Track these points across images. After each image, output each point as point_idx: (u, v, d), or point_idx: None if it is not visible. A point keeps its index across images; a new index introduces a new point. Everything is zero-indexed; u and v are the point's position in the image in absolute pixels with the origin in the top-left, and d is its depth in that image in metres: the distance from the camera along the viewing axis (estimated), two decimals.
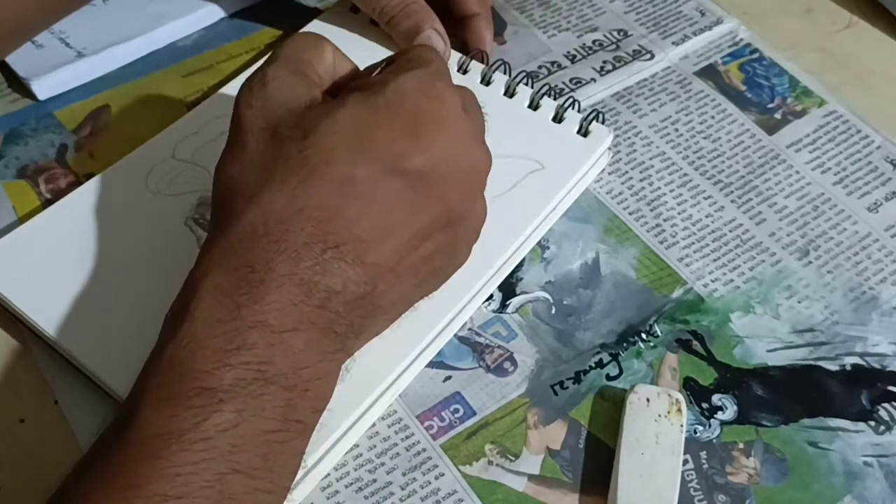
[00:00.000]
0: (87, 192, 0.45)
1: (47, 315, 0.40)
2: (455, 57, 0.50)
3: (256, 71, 0.36)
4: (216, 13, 0.55)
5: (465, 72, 0.50)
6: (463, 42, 0.52)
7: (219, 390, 0.29)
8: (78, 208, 0.44)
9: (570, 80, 0.53)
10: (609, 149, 0.49)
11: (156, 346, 0.31)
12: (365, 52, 0.50)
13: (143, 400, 0.29)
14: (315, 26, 0.52)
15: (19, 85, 0.51)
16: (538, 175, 0.46)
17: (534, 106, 0.49)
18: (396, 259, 0.34)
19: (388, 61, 0.38)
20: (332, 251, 0.32)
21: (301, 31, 0.52)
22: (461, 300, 0.41)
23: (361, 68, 0.40)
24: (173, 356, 0.30)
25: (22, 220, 0.44)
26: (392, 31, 0.50)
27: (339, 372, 0.34)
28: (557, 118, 0.48)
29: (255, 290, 0.31)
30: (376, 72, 0.38)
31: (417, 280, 0.36)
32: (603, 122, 0.48)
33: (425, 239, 0.35)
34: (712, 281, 0.45)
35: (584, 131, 0.48)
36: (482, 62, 0.50)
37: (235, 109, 0.35)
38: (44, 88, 0.51)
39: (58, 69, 0.51)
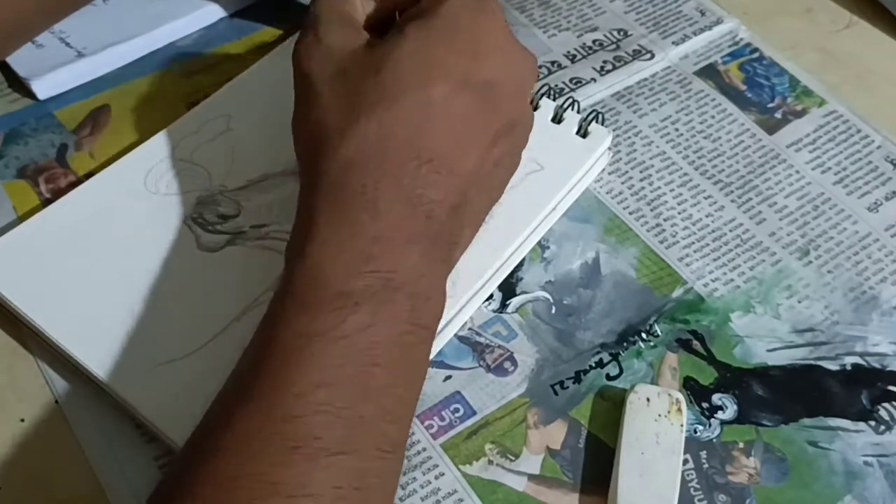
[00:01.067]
0: (87, 192, 0.45)
1: (45, 314, 0.40)
2: None
3: (303, 34, 0.39)
4: (216, 13, 0.55)
5: None
6: None
7: (353, 294, 0.32)
8: (77, 207, 0.44)
9: (571, 80, 0.53)
10: (609, 149, 0.49)
11: (288, 264, 0.34)
12: None
13: (282, 309, 0.32)
14: (286, 48, 0.52)
15: (19, 85, 0.51)
16: (537, 176, 0.46)
17: (533, 107, 0.49)
18: (479, 165, 0.37)
19: None
20: (427, 165, 0.35)
21: (279, 48, 0.52)
22: (461, 300, 0.41)
23: None
24: (305, 273, 0.33)
25: (22, 219, 0.44)
26: None
27: (446, 281, 0.36)
28: (557, 119, 0.48)
29: (369, 209, 0.33)
30: None
31: (492, 185, 0.39)
32: (602, 123, 0.48)
33: (495, 144, 0.37)
34: (712, 280, 0.45)
35: (583, 132, 0.48)
36: None
37: (297, 68, 0.38)
38: (44, 88, 0.51)
39: (58, 69, 0.51)
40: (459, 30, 0.37)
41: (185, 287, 0.42)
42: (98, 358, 0.39)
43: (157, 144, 0.47)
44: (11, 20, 0.48)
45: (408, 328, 0.33)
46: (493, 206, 0.41)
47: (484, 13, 0.38)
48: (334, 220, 0.34)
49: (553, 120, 0.48)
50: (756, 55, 0.55)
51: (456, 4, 0.37)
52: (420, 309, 0.33)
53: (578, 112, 0.48)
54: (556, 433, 0.40)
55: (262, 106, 0.49)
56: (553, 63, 0.54)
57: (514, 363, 0.42)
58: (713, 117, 0.52)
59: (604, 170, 0.49)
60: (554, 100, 0.49)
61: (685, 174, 0.49)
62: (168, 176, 0.46)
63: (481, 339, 0.43)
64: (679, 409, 0.39)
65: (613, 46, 0.55)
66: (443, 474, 0.39)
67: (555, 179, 0.46)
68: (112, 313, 0.40)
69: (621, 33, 0.56)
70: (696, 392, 0.42)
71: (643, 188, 0.49)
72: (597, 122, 0.48)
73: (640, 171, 0.49)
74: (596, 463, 0.39)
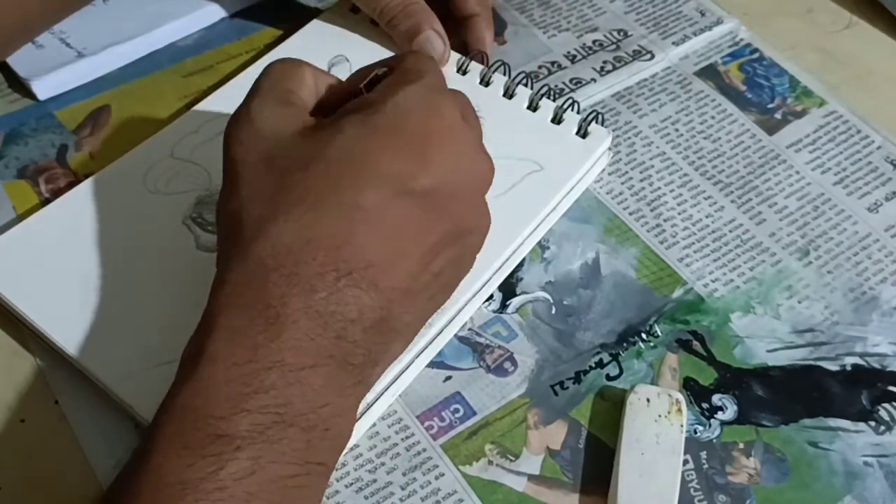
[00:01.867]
0: (86, 191, 0.45)
1: (44, 313, 0.40)
2: (454, 58, 0.50)
3: (239, 108, 0.35)
4: (216, 13, 0.55)
5: (464, 72, 0.50)
6: (463, 43, 0.52)
7: (235, 437, 0.28)
8: (76, 207, 0.44)
9: (570, 81, 0.53)
10: (609, 149, 0.49)
11: (172, 386, 0.31)
12: (365, 52, 0.51)
13: (158, 447, 0.29)
14: (314, 26, 0.52)
15: (19, 85, 0.51)
16: (537, 176, 0.46)
17: (533, 107, 0.49)
18: (410, 279, 0.33)
19: (378, 67, 0.37)
20: (346, 279, 0.31)
21: (278, 48, 0.52)
22: (458, 302, 0.41)
23: (361, 66, 0.39)
24: (189, 402, 0.29)
25: (21, 219, 0.44)
26: (392, 31, 0.50)
27: (359, 406, 0.33)
28: (556, 119, 0.48)
29: (271, 327, 0.30)
30: (367, 80, 0.37)
31: (429, 295, 0.35)
32: (602, 124, 0.48)
33: (436, 255, 0.34)
34: (712, 281, 0.45)
35: (583, 132, 0.48)
36: (482, 63, 0.50)
37: (225, 149, 0.35)
38: (44, 88, 0.51)
39: (58, 69, 0.51)
40: (405, 129, 0.33)
41: (183, 287, 0.42)
42: (96, 357, 0.39)
43: (157, 144, 0.47)
44: (13, 22, 0.48)
45: (298, 470, 0.29)
46: (432, 313, 0.37)
47: (436, 114, 0.34)
48: (230, 337, 0.30)
49: (553, 121, 0.48)
50: (756, 55, 0.55)
51: (406, 101, 0.34)
52: (317, 444, 0.30)
53: (578, 113, 0.48)
54: (556, 433, 0.40)
55: None
56: (553, 63, 0.54)
57: (514, 363, 0.42)
58: (713, 118, 0.52)
59: (604, 170, 0.49)
60: (554, 100, 0.49)
61: (685, 174, 0.49)
62: (168, 175, 0.46)
63: (481, 340, 0.43)
64: (679, 410, 0.39)
65: (613, 47, 0.55)
66: (443, 475, 0.39)
67: (554, 180, 0.46)
68: (110, 312, 0.41)
69: (621, 34, 0.56)
70: (696, 392, 0.42)
71: (643, 188, 0.49)
72: (596, 122, 0.48)
73: (640, 172, 0.49)
74: (596, 463, 0.39)
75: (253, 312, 0.30)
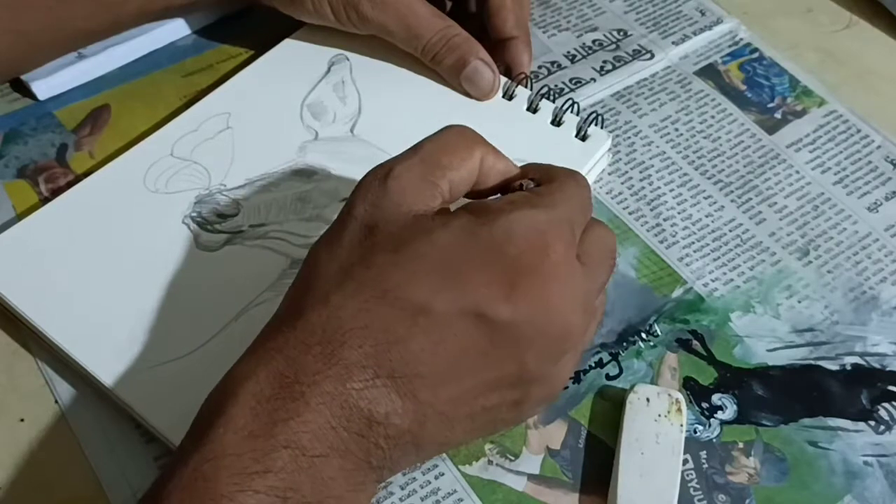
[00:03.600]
0: (86, 190, 0.45)
1: (42, 311, 0.40)
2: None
3: (389, 160, 0.34)
4: (216, 13, 0.55)
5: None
6: (501, 64, 0.50)
7: None
8: (76, 205, 0.44)
9: (570, 80, 0.53)
10: (609, 149, 0.49)
11: (187, 438, 0.30)
12: (367, 49, 0.50)
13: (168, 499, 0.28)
14: (286, 45, 0.51)
15: (19, 85, 0.51)
16: None
17: (532, 109, 0.49)
18: (453, 405, 0.31)
19: (535, 173, 0.36)
20: (385, 379, 0.30)
21: (282, 44, 0.51)
22: None
23: (532, 163, 0.37)
24: (198, 468, 0.28)
25: (21, 219, 0.44)
26: (437, 67, 0.49)
27: (368, 502, 0.32)
28: (556, 121, 0.48)
29: (293, 403, 0.29)
30: (520, 183, 0.36)
31: (473, 426, 0.33)
32: (602, 126, 0.48)
33: (492, 391, 0.32)
34: (712, 280, 0.45)
35: (582, 135, 0.48)
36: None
37: (353, 193, 0.34)
38: (44, 88, 0.51)
39: (58, 69, 0.51)
40: (504, 253, 0.31)
41: (183, 286, 0.42)
42: (95, 357, 0.39)
43: (157, 142, 0.47)
44: (44, 45, 0.48)
45: None
46: (471, 442, 0.36)
47: (543, 245, 0.31)
48: (255, 400, 0.29)
49: (552, 122, 0.48)
50: (756, 55, 0.55)
51: (519, 225, 0.31)
52: None
53: (578, 114, 0.48)
54: (555, 433, 0.40)
55: (262, 104, 0.49)
56: (553, 63, 0.54)
57: None
58: (713, 117, 0.52)
59: (604, 170, 0.49)
60: (553, 101, 0.49)
61: (685, 174, 0.50)
62: (167, 174, 0.46)
63: None
64: (679, 409, 0.39)
65: (613, 46, 0.55)
66: (442, 474, 0.39)
67: None
68: (110, 312, 0.41)
69: (621, 33, 0.56)
70: (695, 392, 0.42)
71: (643, 188, 0.49)
72: (596, 124, 0.48)
73: (640, 171, 0.49)
74: (596, 463, 0.39)
75: (282, 382, 0.29)
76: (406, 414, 0.30)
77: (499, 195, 0.36)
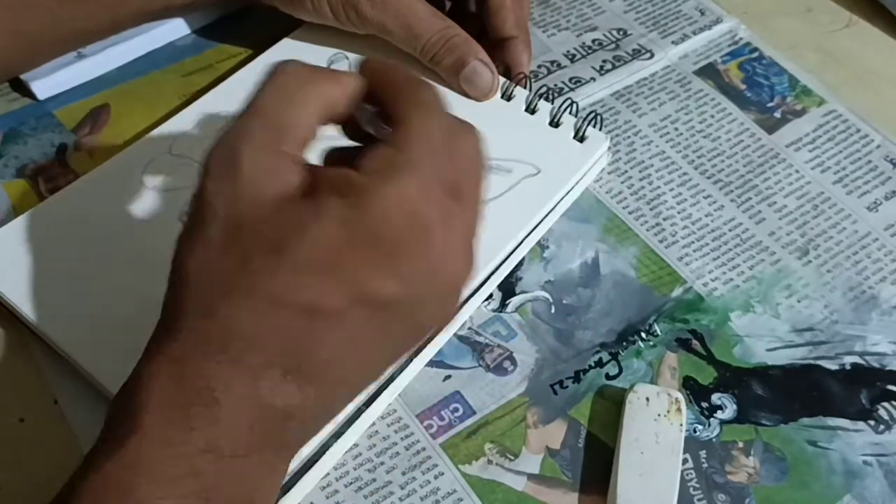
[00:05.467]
0: (84, 187, 0.45)
1: (39, 309, 0.40)
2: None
3: (227, 135, 0.32)
4: (215, 12, 0.55)
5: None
6: (500, 64, 0.50)
7: None
8: (74, 202, 0.44)
9: (570, 80, 0.53)
10: (609, 149, 0.49)
11: (95, 451, 0.29)
12: (366, 48, 0.50)
13: None
14: (285, 45, 0.51)
15: (19, 84, 0.51)
16: (533, 180, 0.46)
17: (531, 109, 0.49)
18: (361, 377, 0.33)
19: (384, 118, 0.34)
20: (294, 375, 0.30)
21: (280, 44, 0.50)
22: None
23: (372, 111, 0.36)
24: (115, 474, 0.28)
25: None
26: (436, 67, 0.49)
27: (283, 477, 0.32)
28: (554, 122, 0.48)
29: (209, 409, 0.29)
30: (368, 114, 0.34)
31: (376, 378, 0.34)
32: (600, 126, 0.48)
33: (397, 355, 0.34)
34: (712, 280, 0.45)
35: (580, 136, 0.48)
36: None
37: (201, 186, 0.32)
38: (43, 88, 0.51)
39: (57, 69, 0.51)
40: (381, 235, 0.30)
41: None
42: (90, 353, 0.39)
43: (156, 140, 0.47)
44: (45, 42, 0.48)
45: None
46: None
47: (419, 221, 0.31)
48: (166, 410, 0.29)
49: (550, 123, 0.48)
50: (755, 55, 0.55)
51: (388, 199, 0.30)
52: None
53: (576, 114, 0.48)
54: (555, 433, 0.40)
55: None
56: (552, 63, 0.54)
57: (514, 363, 0.42)
58: (713, 116, 0.52)
59: (603, 170, 0.49)
60: (552, 102, 0.49)
61: (685, 174, 0.49)
62: (165, 172, 0.46)
63: (481, 339, 0.43)
64: (678, 409, 0.39)
65: (613, 46, 0.55)
66: (442, 474, 0.39)
67: (551, 184, 0.46)
68: (106, 309, 0.40)
69: (621, 33, 0.56)
70: (695, 392, 0.42)
71: (643, 188, 0.49)
72: (594, 125, 0.48)
73: (640, 171, 0.49)
74: (595, 462, 0.39)
75: (193, 391, 0.29)
76: (319, 398, 0.31)
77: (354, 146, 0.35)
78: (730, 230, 0.47)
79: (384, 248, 0.30)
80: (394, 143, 0.32)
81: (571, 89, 0.53)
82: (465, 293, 0.35)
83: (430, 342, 0.41)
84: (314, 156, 0.34)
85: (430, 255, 0.31)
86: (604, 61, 0.54)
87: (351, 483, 0.38)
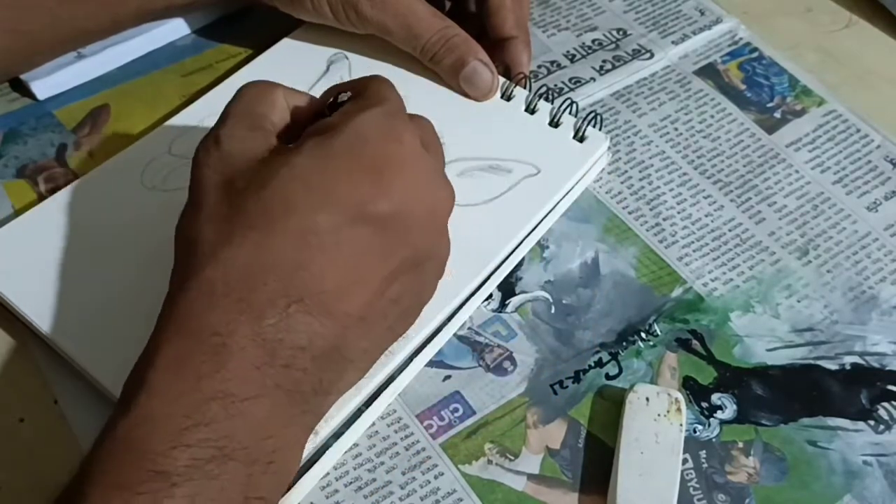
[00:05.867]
0: (83, 187, 0.45)
1: (38, 308, 0.40)
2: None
3: (209, 132, 0.35)
4: (215, 12, 0.55)
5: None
6: (500, 64, 0.50)
7: (172, 473, 0.28)
8: (73, 203, 0.44)
9: (570, 80, 0.53)
10: (609, 148, 0.49)
11: (110, 418, 0.30)
12: (365, 48, 0.50)
13: (93, 484, 0.28)
14: (285, 45, 0.52)
15: (19, 84, 0.51)
16: (533, 180, 0.46)
17: (531, 109, 0.49)
18: (366, 306, 0.33)
19: (343, 88, 0.37)
20: (297, 305, 0.30)
21: (279, 44, 0.51)
22: (451, 305, 0.41)
23: (330, 85, 0.39)
24: (127, 435, 0.28)
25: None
26: (436, 67, 0.49)
27: (308, 436, 0.32)
28: (554, 122, 0.48)
29: (216, 356, 0.29)
30: (331, 101, 0.37)
31: (388, 324, 0.35)
32: (600, 126, 0.48)
33: (393, 281, 0.34)
34: (712, 280, 0.45)
35: (580, 136, 0.48)
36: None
37: (193, 170, 0.34)
38: (43, 88, 0.51)
39: (57, 69, 0.51)
40: (362, 154, 0.32)
41: None
42: (90, 354, 0.39)
43: (155, 140, 0.47)
44: (45, 42, 0.48)
45: None
46: (392, 342, 0.37)
47: (395, 140, 0.33)
48: (173, 365, 0.29)
49: (550, 124, 0.48)
50: (755, 55, 0.55)
51: (365, 125, 0.33)
52: (258, 479, 0.29)
53: (576, 114, 0.48)
54: (555, 433, 0.40)
55: None
56: (552, 63, 0.54)
57: (514, 363, 0.42)
58: (712, 117, 0.52)
59: (603, 170, 0.49)
60: (552, 101, 0.49)
61: (684, 174, 0.50)
62: (165, 172, 0.46)
63: (481, 339, 0.43)
64: (678, 409, 0.39)
65: (613, 46, 0.55)
66: (442, 474, 0.39)
67: (550, 184, 0.46)
68: (105, 309, 0.41)
69: (620, 33, 0.56)
70: (695, 392, 0.42)
71: (642, 188, 0.49)
72: (594, 125, 0.48)
73: (640, 171, 0.49)
74: (595, 462, 0.39)
75: (199, 340, 0.30)
76: (325, 331, 0.31)
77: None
78: (730, 230, 0.47)
79: (366, 165, 0.32)
80: (358, 97, 0.35)
81: (571, 89, 0.53)
82: (449, 221, 0.37)
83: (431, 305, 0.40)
84: None
85: (409, 169, 0.34)
86: (604, 61, 0.54)
87: (351, 483, 0.38)
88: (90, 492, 0.28)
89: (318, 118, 0.36)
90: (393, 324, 0.35)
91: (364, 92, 0.36)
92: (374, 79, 0.37)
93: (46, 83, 0.51)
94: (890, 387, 0.42)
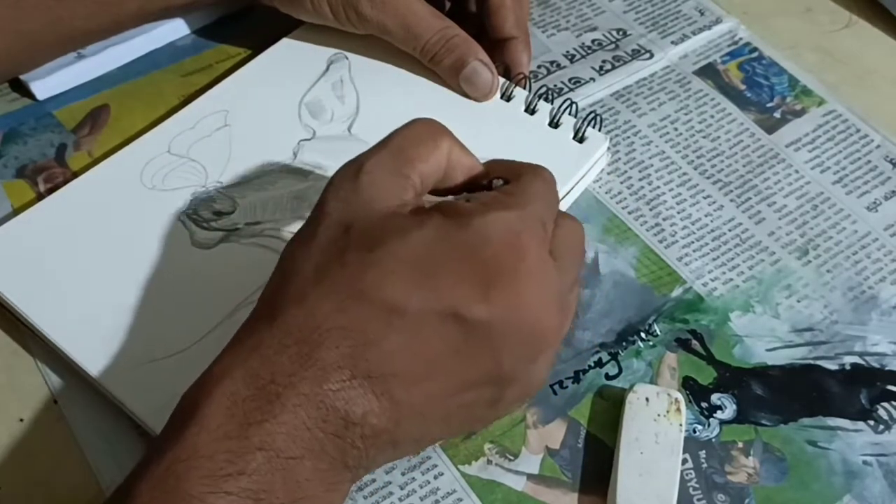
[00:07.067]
0: (82, 186, 0.45)
1: (37, 307, 0.40)
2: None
3: (358, 156, 0.34)
4: (215, 12, 0.55)
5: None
6: (500, 64, 0.50)
7: None
8: (72, 201, 0.44)
9: (570, 80, 0.53)
10: (608, 149, 0.49)
11: (162, 434, 0.30)
12: (366, 48, 0.50)
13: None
14: (284, 45, 0.51)
15: (18, 85, 0.51)
16: None
17: (530, 110, 0.49)
18: (429, 403, 0.31)
19: (499, 175, 0.36)
20: (362, 379, 0.30)
21: (280, 43, 0.51)
22: None
23: (498, 159, 0.38)
24: (171, 468, 0.28)
25: None
26: (436, 67, 0.49)
27: (342, 502, 0.32)
28: (554, 123, 0.48)
29: (269, 405, 0.29)
30: (488, 180, 0.36)
31: (449, 424, 0.34)
32: (600, 127, 0.48)
33: (467, 389, 0.32)
34: (712, 280, 0.45)
35: (580, 137, 0.48)
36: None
37: (327, 186, 0.34)
38: (43, 89, 0.51)
39: (57, 70, 0.51)
40: (479, 254, 0.31)
41: (178, 284, 0.42)
42: (88, 352, 0.39)
43: (154, 139, 0.47)
44: (46, 43, 0.48)
45: None
46: (448, 438, 0.37)
47: (517, 247, 0.32)
48: (230, 401, 0.29)
49: (550, 124, 0.48)
50: (755, 55, 0.55)
51: (493, 227, 0.31)
52: None
53: (576, 115, 0.48)
54: (555, 433, 0.40)
55: (260, 102, 0.49)
56: (552, 63, 0.54)
57: None
58: (712, 117, 0.52)
59: (602, 170, 0.49)
60: (552, 102, 0.49)
61: (684, 174, 0.49)
62: (164, 171, 0.46)
63: None
64: (678, 409, 0.39)
65: (612, 46, 0.55)
66: (442, 474, 0.39)
67: None
68: (104, 308, 0.41)
69: (620, 33, 0.56)
70: (695, 392, 0.42)
71: (642, 188, 0.49)
72: (594, 126, 0.48)
73: (640, 171, 0.49)
74: (595, 462, 0.39)
75: (258, 384, 0.29)
76: (382, 413, 0.30)
77: (465, 194, 0.36)
78: (729, 230, 0.47)
79: (479, 267, 0.31)
80: (504, 190, 0.34)
81: (571, 89, 0.53)
82: (551, 358, 0.35)
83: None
84: None
85: (522, 287, 0.32)
86: (603, 61, 0.54)
87: None
88: None
89: (471, 185, 0.36)
90: (455, 426, 0.34)
91: (517, 183, 0.35)
92: (533, 172, 0.36)
93: (46, 83, 0.51)
94: (890, 387, 0.42)
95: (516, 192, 0.34)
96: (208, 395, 0.29)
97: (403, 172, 0.34)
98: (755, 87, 0.54)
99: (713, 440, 0.40)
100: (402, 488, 0.38)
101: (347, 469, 0.31)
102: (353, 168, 0.34)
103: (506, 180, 0.35)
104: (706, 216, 0.48)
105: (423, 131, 0.35)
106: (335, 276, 0.31)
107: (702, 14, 0.57)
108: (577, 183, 0.47)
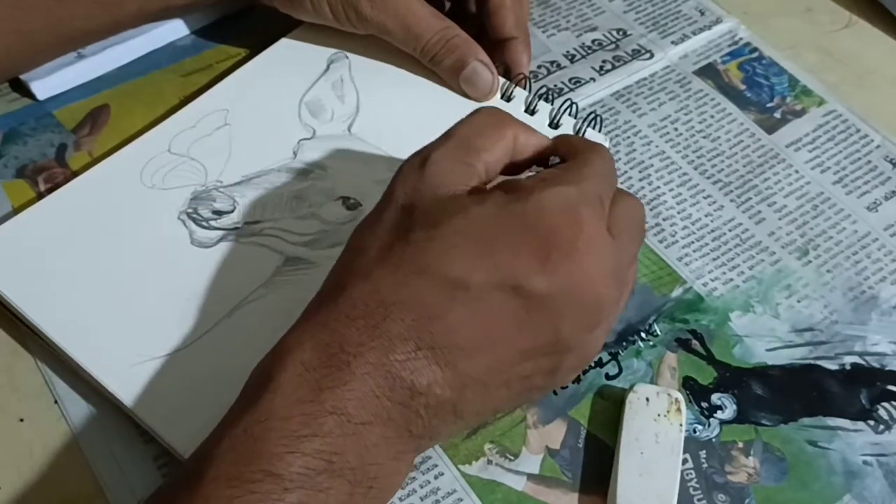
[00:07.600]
0: (82, 185, 0.45)
1: (36, 305, 0.40)
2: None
3: (424, 147, 0.35)
4: (214, 13, 0.55)
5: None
6: (500, 65, 0.50)
7: (285, 478, 0.29)
8: (72, 200, 0.44)
9: (570, 80, 0.53)
10: (608, 150, 0.49)
11: (234, 405, 0.31)
12: (366, 48, 0.50)
13: (211, 470, 0.29)
14: (284, 44, 0.52)
15: (18, 85, 0.51)
16: None
17: (531, 110, 0.48)
18: (491, 373, 0.33)
19: (558, 150, 0.37)
20: (427, 351, 0.31)
21: (280, 42, 0.51)
22: None
23: (562, 135, 0.39)
24: (249, 430, 0.30)
25: None
26: (436, 68, 0.49)
27: (408, 471, 0.33)
28: (554, 123, 0.48)
29: (339, 372, 0.30)
30: (547, 158, 0.37)
31: (509, 394, 0.34)
32: (600, 129, 0.48)
33: (527, 359, 0.33)
34: (712, 280, 0.45)
35: None
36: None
37: (394, 176, 0.35)
38: (43, 89, 0.51)
39: (57, 70, 0.51)
40: (537, 227, 0.32)
41: (177, 282, 0.42)
42: (88, 352, 0.39)
43: (154, 138, 0.47)
44: (45, 43, 0.48)
45: None
46: (509, 409, 0.38)
47: (575, 225, 0.33)
48: (303, 369, 0.30)
49: (550, 125, 0.48)
50: (755, 55, 0.55)
51: (550, 200, 0.33)
52: (357, 500, 0.30)
53: (576, 115, 0.48)
54: (555, 433, 0.40)
55: (260, 101, 0.49)
56: (552, 63, 0.54)
57: None
58: (712, 117, 0.52)
59: None
60: (552, 102, 0.49)
61: (684, 174, 0.50)
62: (164, 170, 0.46)
63: None
64: (678, 409, 0.39)
65: (613, 46, 0.55)
66: (442, 474, 0.39)
67: None
68: (104, 307, 0.41)
69: (620, 33, 0.56)
70: (695, 392, 0.42)
71: (642, 188, 0.49)
72: (593, 126, 0.48)
73: (640, 171, 0.49)
74: (595, 463, 0.39)
75: (328, 353, 0.31)
76: (446, 384, 0.31)
77: (531, 171, 0.37)
78: (730, 230, 0.47)
79: (538, 239, 0.32)
80: (563, 166, 0.36)
81: (571, 90, 0.53)
82: (608, 329, 0.36)
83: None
84: None
85: (580, 258, 0.33)
86: (603, 61, 0.54)
87: None
88: (207, 480, 0.29)
89: (539, 162, 0.37)
90: (514, 396, 0.35)
91: (574, 161, 0.36)
92: (591, 149, 0.37)
93: (46, 83, 0.51)
94: (890, 387, 0.42)
95: (574, 168, 0.35)
96: (281, 364, 0.31)
97: (468, 161, 0.35)
98: (755, 87, 0.54)
99: (713, 440, 0.40)
100: (402, 488, 0.38)
101: (412, 438, 0.32)
102: (420, 158, 0.35)
103: (564, 158, 0.37)
104: (706, 216, 0.48)
105: (487, 121, 0.36)
106: (400, 253, 0.32)
107: (702, 14, 0.57)
108: None
